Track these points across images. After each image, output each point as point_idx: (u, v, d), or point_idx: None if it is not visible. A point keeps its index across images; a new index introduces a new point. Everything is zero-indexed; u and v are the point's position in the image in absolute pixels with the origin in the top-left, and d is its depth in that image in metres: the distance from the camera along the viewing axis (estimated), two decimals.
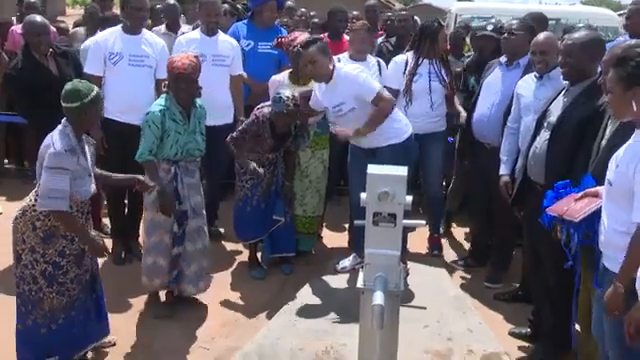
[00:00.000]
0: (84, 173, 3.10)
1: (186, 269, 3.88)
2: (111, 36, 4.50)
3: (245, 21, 5.46)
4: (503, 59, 4.37)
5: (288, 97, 4.16)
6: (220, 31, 4.97)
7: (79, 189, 3.06)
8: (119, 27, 4.58)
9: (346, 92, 4.03)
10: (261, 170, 4.24)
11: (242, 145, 4.29)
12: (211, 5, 4.88)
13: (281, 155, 4.39)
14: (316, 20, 6.99)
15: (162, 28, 6.35)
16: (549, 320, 3.47)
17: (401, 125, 4.19)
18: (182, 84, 3.73)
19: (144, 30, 4.61)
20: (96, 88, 3.14)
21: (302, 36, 4.48)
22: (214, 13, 4.86)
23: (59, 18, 9.79)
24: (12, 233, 3.12)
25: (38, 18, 4.75)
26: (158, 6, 6.63)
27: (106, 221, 5.04)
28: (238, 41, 5.16)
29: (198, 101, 3.91)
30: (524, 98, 3.83)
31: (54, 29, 6.07)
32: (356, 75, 4.06)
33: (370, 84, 4.08)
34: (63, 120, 3.09)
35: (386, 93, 4.12)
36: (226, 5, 5.87)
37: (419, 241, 4.95)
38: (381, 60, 5.03)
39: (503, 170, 3.92)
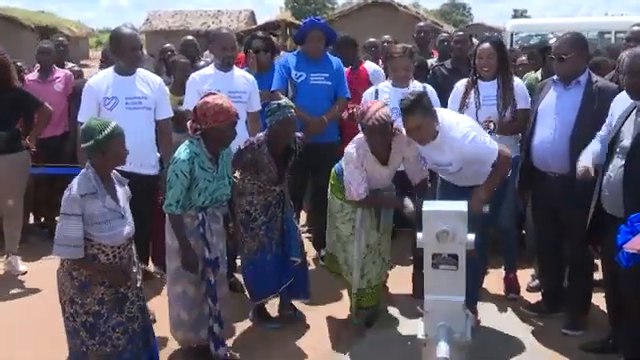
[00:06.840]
0: (113, 216, 2.91)
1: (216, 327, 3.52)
2: (104, 79, 4.16)
3: (295, 52, 5.22)
4: (557, 77, 3.93)
5: (286, 103, 3.89)
6: (235, 66, 4.70)
7: (107, 233, 2.89)
8: (111, 69, 4.22)
9: (454, 155, 3.60)
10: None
11: (245, 186, 3.96)
12: (225, 37, 4.59)
13: (286, 188, 4.03)
14: None
15: None
16: None
17: None
18: (231, 131, 3.47)
19: (137, 69, 4.26)
20: (113, 123, 2.94)
21: (375, 105, 3.74)
22: (230, 46, 4.56)
23: (82, 62, 9.81)
24: (57, 285, 3.01)
25: None
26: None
27: None
28: (289, 73, 4.89)
29: None
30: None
31: (69, 72, 6.02)
32: (471, 141, 3.53)
33: (489, 148, 3.59)
34: (87, 162, 2.95)
35: (506, 151, 3.64)
36: (257, 40, 5.21)
37: (491, 282, 4.57)
38: (428, 86, 4.53)
39: (582, 161, 3.40)
